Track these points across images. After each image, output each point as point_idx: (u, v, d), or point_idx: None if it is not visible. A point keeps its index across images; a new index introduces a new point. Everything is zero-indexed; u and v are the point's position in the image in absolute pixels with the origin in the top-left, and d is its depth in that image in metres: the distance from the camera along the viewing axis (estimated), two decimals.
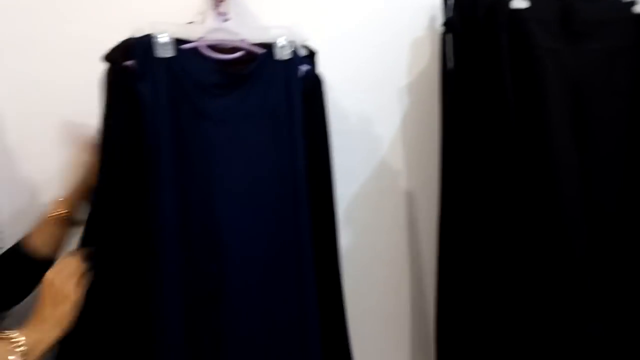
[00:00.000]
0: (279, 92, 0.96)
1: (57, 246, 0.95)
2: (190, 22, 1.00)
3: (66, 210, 0.94)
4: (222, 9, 0.97)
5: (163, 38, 0.88)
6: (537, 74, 1.04)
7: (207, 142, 0.91)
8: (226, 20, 0.95)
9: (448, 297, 1.22)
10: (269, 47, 0.97)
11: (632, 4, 1.05)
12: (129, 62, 0.88)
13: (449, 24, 1.13)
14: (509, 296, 1.09)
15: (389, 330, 1.37)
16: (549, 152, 1.04)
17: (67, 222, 0.95)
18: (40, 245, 0.91)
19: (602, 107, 1.04)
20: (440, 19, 1.25)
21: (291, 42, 0.97)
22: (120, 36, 0.93)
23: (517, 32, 1.04)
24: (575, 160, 1.04)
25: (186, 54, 0.91)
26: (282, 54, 0.97)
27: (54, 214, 0.94)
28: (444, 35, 1.19)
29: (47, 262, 0.89)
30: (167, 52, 0.89)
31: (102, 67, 0.91)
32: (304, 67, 1.00)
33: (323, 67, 1.07)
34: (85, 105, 1.03)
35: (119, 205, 0.87)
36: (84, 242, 0.89)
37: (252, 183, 0.94)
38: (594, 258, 1.05)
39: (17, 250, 0.92)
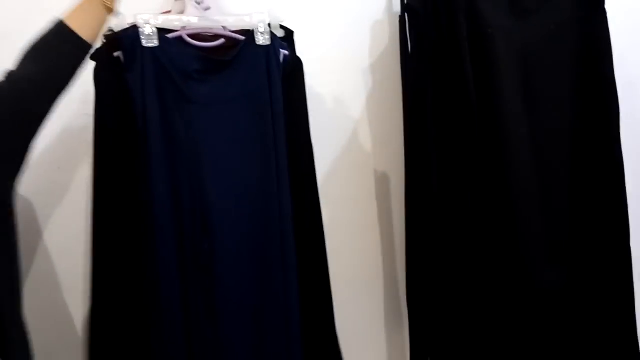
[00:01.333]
0: (261, 77, 1.02)
1: (95, 31, 0.88)
2: (168, 12, 1.03)
3: None
4: None
5: (148, 29, 0.92)
6: (489, 50, 1.15)
7: (193, 125, 0.97)
8: (207, 9, 0.99)
9: (416, 261, 1.32)
10: (248, 33, 1.03)
11: None
12: (116, 53, 0.92)
13: (408, 7, 1.22)
14: (469, 252, 1.20)
15: (364, 294, 1.46)
16: (501, 119, 1.15)
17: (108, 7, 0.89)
18: (79, 26, 0.86)
19: (548, 76, 1.16)
20: (396, 2, 1.34)
21: (270, 28, 1.03)
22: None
23: (470, 13, 1.14)
24: (525, 127, 1.16)
25: (170, 43, 0.96)
26: (262, 39, 1.02)
27: None
28: (402, 17, 1.28)
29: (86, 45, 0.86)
30: (153, 42, 0.93)
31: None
32: (284, 52, 1.06)
33: None
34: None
35: (115, 189, 0.91)
36: (93, 220, 0.93)
37: (237, 163, 1.01)
38: (546, 210, 1.18)
39: (60, 28, 0.85)
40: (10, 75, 0.82)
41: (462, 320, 1.22)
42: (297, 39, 1.16)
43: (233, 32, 1.04)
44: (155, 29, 0.93)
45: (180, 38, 0.97)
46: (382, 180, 1.48)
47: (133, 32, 0.92)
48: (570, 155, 1.18)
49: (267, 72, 1.03)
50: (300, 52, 1.16)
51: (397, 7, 1.34)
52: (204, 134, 0.97)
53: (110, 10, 0.89)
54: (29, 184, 1.15)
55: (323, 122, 1.38)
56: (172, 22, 0.96)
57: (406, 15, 1.27)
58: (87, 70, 0.92)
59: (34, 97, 0.82)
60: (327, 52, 1.38)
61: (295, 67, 1.11)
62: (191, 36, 0.99)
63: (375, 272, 1.47)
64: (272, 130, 1.02)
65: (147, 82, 0.92)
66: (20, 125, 0.81)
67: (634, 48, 1.46)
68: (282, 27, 1.11)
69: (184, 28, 0.97)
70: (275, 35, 1.06)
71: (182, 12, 1.04)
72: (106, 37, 0.92)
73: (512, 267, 1.16)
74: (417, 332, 1.32)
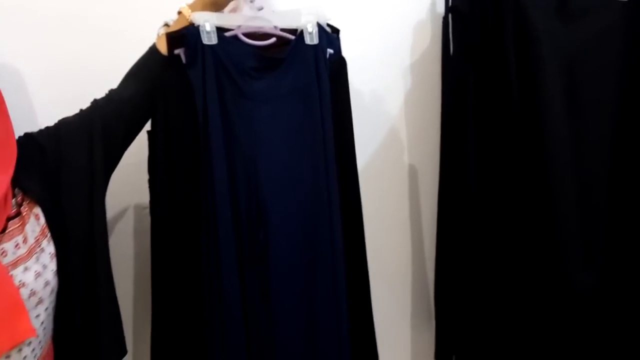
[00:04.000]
0: (310, 74, 1.06)
1: None
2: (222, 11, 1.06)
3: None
4: None
5: (208, 27, 0.95)
6: (535, 53, 1.16)
7: (250, 120, 1.01)
8: (260, 9, 1.03)
9: (447, 258, 1.35)
10: (297, 32, 1.06)
11: None
12: (177, 51, 0.95)
13: (454, 8, 1.23)
14: (502, 251, 1.22)
15: (391, 289, 1.49)
16: (544, 122, 1.16)
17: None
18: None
19: (592, 81, 1.17)
20: (440, 3, 1.36)
21: (318, 27, 1.06)
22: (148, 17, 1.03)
23: (517, 15, 1.15)
24: (566, 130, 1.17)
25: (227, 41, 1.00)
26: (311, 39, 1.06)
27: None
28: (445, 18, 1.30)
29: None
30: (212, 40, 0.97)
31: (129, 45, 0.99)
32: (329, 50, 1.10)
33: None
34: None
35: (176, 181, 0.95)
36: (152, 216, 0.97)
37: (289, 156, 1.04)
38: (583, 212, 1.19)
39: (154, 53, 0.98)
40: (111, 94, 0.96)
41: (490, 319, 1.24)
42: (341, 36, 1.19)
43: (282, 30, 1.07)
44: (214, 28, 0.96)
45: (235, 36, 1.01)
46: (415, 177, 1.51)
47: (194, 30, 0.96)
48: (610, 160, 1.19)
49: (315, 70, 1.06)
50: (343, 48, 1.18)
51: (440, 8, 1.36)
52: (260, 128, 1.01)
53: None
54: None
55: (361, 117, 1.40)
56: (229, 20, 0.99)
57: (450, 16, 1.29)
58: None
59: (129, 116, 0.95)
60: (368, 49, 1.41)
61: (339, 65, 1.14)
62: (244, 34, 1.02)
63: (403, 267, 1.51)
64: (321, 125, 1.06)
65: (208, 79, 0.95)
66: (114, 135, 0.93)
67: None
68: (328, 25, 1.13)
69: (239, 27, 1.01)
70: (323, 34, 1.08)
71: (234, 10, 1.08)
72: (170, 34, 0.95)
73: (547, 268, 1.17)
74: (443, 329, 1.35)
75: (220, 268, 0.94)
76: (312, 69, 1.06)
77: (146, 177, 1.04)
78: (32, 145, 0.85)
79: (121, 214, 1.24)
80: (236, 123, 0.99)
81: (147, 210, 1.04)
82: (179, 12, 1.00)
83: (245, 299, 0.98)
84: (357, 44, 1.37)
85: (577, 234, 1.16)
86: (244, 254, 0.99)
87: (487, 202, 1.25)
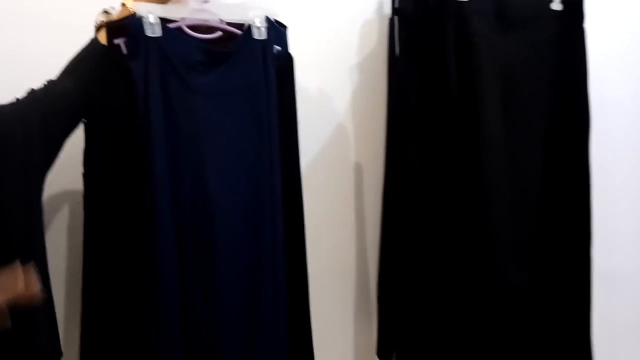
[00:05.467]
0: (258, 70, 1.05)
1: None
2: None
3: None
4: None
5: (152, 18, 0.92)
6: (474, 58, 1.20)
7: (195, 115, 0.99)
8: (206, 1, 1.00)
9: (389, 257, 1.38)
10: (244, 26, 1.05)
11: (550, 0, 1.23)
12: (117, 41, 0.91)
13: (400, 10, 1.26)
14: (440, 251, 1.26)
15: (334, 286, 1.50)
16: (480, 126, 1.21)
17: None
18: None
19: (526, 89, 1.23)
20: (387, 4, 1.37)
21: (266, 22, 1.06)
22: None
23: (459, 22, 1.19)
24: (501, 134, 1.23)
25: (172, 33, 0.97)
26: (259, 34, 1.05)
27: None
28: (392, 20, 1.32)
29: None
30: (156, 32, 0.93)
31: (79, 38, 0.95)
32: (277, 47, 1.09)
33: None
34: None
35: (114, 176, 0.92)
36: (85, 210, 0.93)
37: (235, 153, 1.03)
38: (516, 216, 1.24)
39: (94, 44, 0.95)
40: (49, 86, 0.92)
41: (429, 317, 1.27)
42: (288, 33, 1.18)
43: (229, 24, 1.05)
44: (158, 19, 0.93)
45: (179, 28, 0.98)
46: (361, 176, 1.52)
47: (137, 20, 0.92)
48: (541, 165, 1.25)
49: (263, 66, 1.06)
50: (290, 46, 1.17)
51: (387, 9, 1.38)
52: (206, 124, 0.99)
53: None
54: None
55: (308, 115, 1.40)
56: (173, 12, 0.96)
57: (395, 18, 1.31)
58: None
59: (67, 109, 0.92)
60: (315, 47, 1.40)
61: (287, 62, 1.14)
62: (188, 27, 1.00)
63: (347, 265, 1.51)
64: (267, 121, 1.06)
65: (150, 72, 0.93)
66: (52, 129, 0.90)
67: (609, 66, 1.54)
68: (276, 21, 1.12)
69: (183, 19, 0.98)
70: (271, 30, 1.08)
71: (178, 0, 1.05)
72: (110, 23, 0.91)
73: (481, 269, 1.22)
74: (384, 326, 1.37)
75: (159, 266, 0.92)
76: (260, 64, 1.05)
77: (80, 169, 0.99)
78: None
79: (53, 209, 1.18)
80: (181, 117, 0.97)
81: (81, 205, 1.00)
82: (123, 4, 0.96)
83: (186, 298, 0.96)
84: (305, 42, 1.36)
85: (509, 236, 1.22)
86: (186, 251, 0.97)
87: (426, 202, 1.28)
